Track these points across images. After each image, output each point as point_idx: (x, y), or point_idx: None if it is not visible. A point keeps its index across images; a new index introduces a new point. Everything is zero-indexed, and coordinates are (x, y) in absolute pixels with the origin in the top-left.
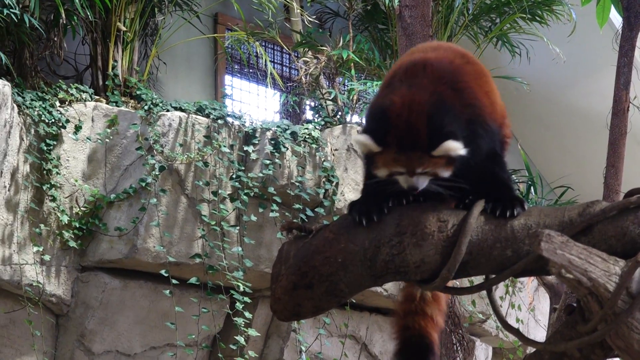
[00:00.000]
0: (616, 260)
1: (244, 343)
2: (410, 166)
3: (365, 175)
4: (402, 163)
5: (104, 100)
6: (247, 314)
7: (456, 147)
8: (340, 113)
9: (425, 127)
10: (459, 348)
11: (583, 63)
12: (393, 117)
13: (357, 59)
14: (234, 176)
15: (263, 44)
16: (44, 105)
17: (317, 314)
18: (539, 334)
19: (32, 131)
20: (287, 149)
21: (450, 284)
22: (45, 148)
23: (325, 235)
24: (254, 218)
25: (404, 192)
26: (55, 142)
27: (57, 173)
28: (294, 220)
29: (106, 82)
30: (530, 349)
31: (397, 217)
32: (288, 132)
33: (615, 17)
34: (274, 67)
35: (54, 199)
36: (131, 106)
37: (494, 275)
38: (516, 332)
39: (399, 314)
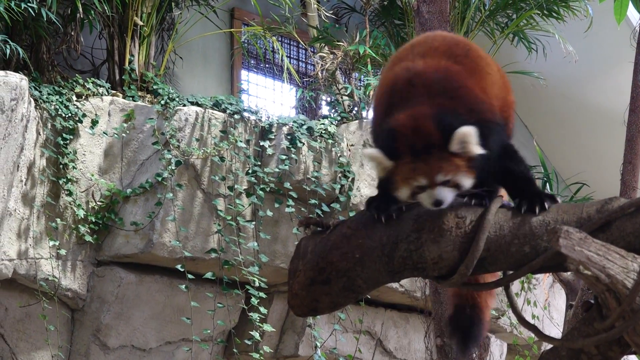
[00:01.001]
0: (634, 257)
1: (259, 338)
2: (430, 174)
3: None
4: (421, 171)
5: (121, 95)
6: (262, 309)
7: (471, 133)
8: (356, 108)
9: (434, 128)
10: None
11: (600, 59)
12: (399, 129)
13: (374, 54)
14: (250, 171)
15: (279, 39)
16: (60, 100)
17: (334, 309)
18: (554, 331)
19: (49, 125)
20: (303, 144)
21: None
22: (61, 142)
23: (342, 231)
24: (269, 213)
25: None
26: (71, 137)
27: (74, 167)
28: (312, 216)
29: (123, 77)
30: (546, 346)
31: (415, 213)
32: (304, 127)
33: (633, 14)
34: (290, 63)
35: (70, 194)
36: (148, 101)
37: (511, 272)
38: (533, 328)
39: None
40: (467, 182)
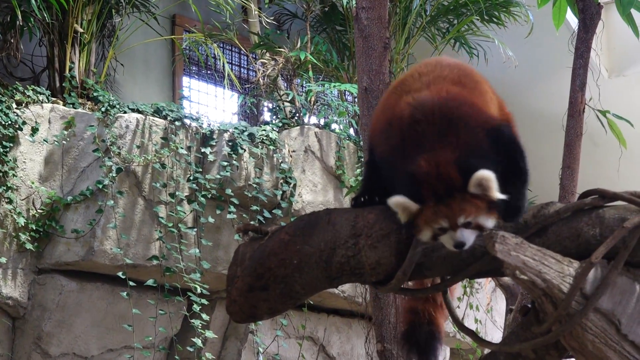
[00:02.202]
0: (570, 261)
1: (202, 345)
2: (451, 217)
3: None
4: (443, 214)
5: (61, 102)
6: (204, 315)
7: (489, 178)
8: (298, 114)
9: (456, 173)
10: None
11: (539, 64)
12: (422, 176)
13: (315, 61)
14: (191, 178)
15: (221, 45)
16: (0, 107)
17: (272, 315)
18: (497, 335)
19: None
20: (245, 150)
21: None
22: (1, 150)
23: (281, 237)
24: (211, 220)
25: None
26: (11, 144)
27: (14, 175)
28: (251, 222)
29: (63, 84)
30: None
31: (353, 219)
32: (245, 133)
33: (572, 19)
34: (231, 69)
35: (10, 201)
36: (88, 108)
37: (449, 277)
38: (471, 333)
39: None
40: (489, 223)
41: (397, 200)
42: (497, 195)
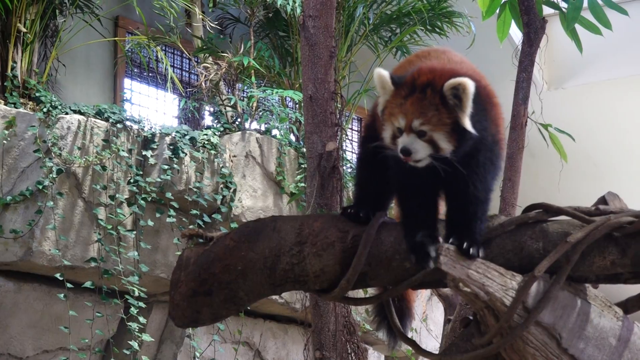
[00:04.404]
0: (513, 275)
1: (138, 348)
2: (410, 115)
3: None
4: (404, 110)
5: (2, 102)
6: (141, 318)
7: (469, 86)
8: (239, 120)
9: (446, 73)
10: (353, 357)
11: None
12: (421, 67)
13: (258, 66)
14: (131, 180)
15: (164, 48)
16: None
17: (215, 321)
18: (431, 344)
19: None
20: (186, 154)
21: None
22: None
23: (226, 243)
24: (150, 223)
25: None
26: None
27: None
28: (198, 228)
29: (5, 83)
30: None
31: (298, 227)
32: (187, 137)
33: (515, 33)
34: (174, 72)
35: None
36: (30, 108)
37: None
38: (412, 343)
39: None
40: (444, 144)
41: (379, 72)
42: (466, 118)
